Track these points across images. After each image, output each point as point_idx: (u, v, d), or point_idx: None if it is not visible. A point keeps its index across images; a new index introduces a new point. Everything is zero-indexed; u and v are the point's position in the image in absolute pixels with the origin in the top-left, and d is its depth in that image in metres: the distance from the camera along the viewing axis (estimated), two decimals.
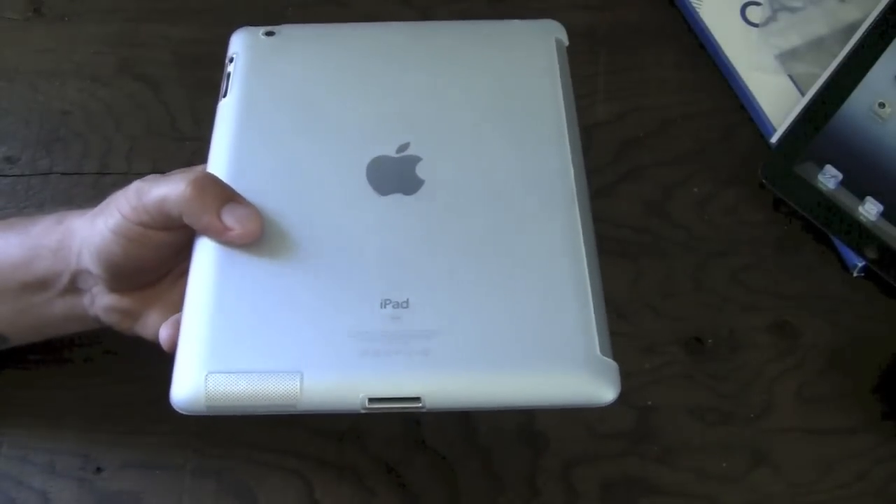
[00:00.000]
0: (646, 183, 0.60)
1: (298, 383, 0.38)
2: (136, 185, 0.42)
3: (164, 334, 0.42)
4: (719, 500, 0.51)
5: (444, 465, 0.50)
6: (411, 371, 0.38)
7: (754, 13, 0.66)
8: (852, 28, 0.63)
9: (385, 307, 0.40)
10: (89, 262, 0.43)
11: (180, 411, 0.38)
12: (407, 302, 0.40)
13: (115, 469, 0.49)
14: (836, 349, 0.56)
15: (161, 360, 0.46)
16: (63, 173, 0.58)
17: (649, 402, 0.53)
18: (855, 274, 0.58)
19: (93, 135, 0.59)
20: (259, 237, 0.41)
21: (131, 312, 0.45)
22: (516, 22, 0.52)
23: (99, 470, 0.49)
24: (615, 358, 0.40)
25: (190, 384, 0.38)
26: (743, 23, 0.65)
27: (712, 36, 0.65)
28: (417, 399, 0.38)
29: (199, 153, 0.58)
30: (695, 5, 0.66)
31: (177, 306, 0.44)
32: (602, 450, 0.52)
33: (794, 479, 0.52)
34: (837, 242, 0.58)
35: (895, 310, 0.57)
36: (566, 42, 0.51)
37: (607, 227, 0.58)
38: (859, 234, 0.57)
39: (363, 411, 0.38)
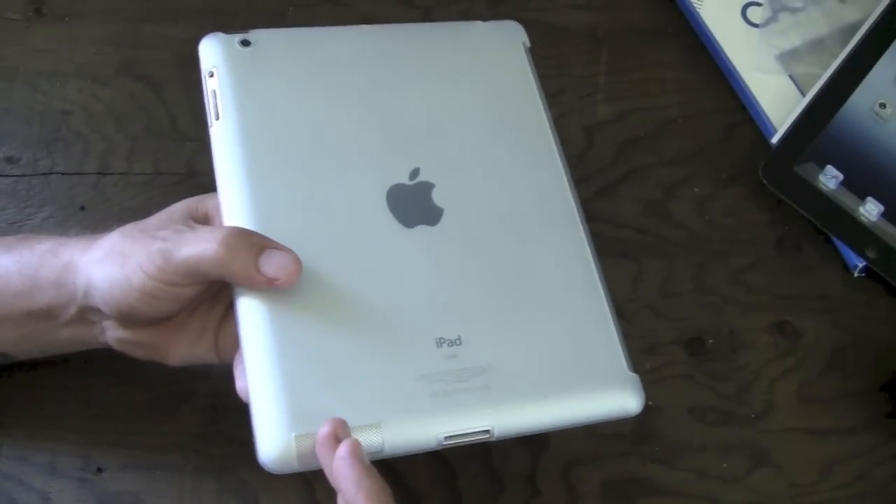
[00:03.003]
0: (646, 183, 0.60)
1: (381, 433, 0.39)
2: (158, 247, 0.41)
3: (242, 387, 0.41)
4: (719, 500, 0.51)
5: (445, 465, 0.50)
6: (479, 406, 0.41)
7: (755, 13, 0.66)
8: (853, 28, 0.63)
9: (441, 346, 0.42)
10: (101, 304, 0.43)
11: (271, 471, 0.39)
12: (459, 339, 0.42)
13: (115, 469, 0.49)
14: (836, 349, 0.56)
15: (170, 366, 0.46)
16: (64, 173, 0.58)
17: (650, 402, 0.53)
18: (856, 274, 0.58)
19: (93, 135, 0.59)
20: (300, 276, 0.41)
21: (147, 344, 0.44)
22: (479, 24, 0.52)
23: (100, 470, 0.49)
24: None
25: (278, 445, 0.39)
26: (743, 23, 0.65)
27: (713, 36, 0.65)
28: (487, 431, 0.41)
29: (199, 153, 0.58)
30: (695, 5, 0.66)
31: (191, 337, 0.45)
32: (602, 450, 0.52)
33: (794, 479, 0.52)
34: (838, 242, 0.58)
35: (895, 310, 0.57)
36: (529, 44, 0.52)
37: (608, 227, 0.58)
38: (860, 235, 0.57)
39: (439, 448, 0.40)
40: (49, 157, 0.58)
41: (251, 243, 0.41)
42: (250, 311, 0.41)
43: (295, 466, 0.39)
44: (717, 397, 0.54)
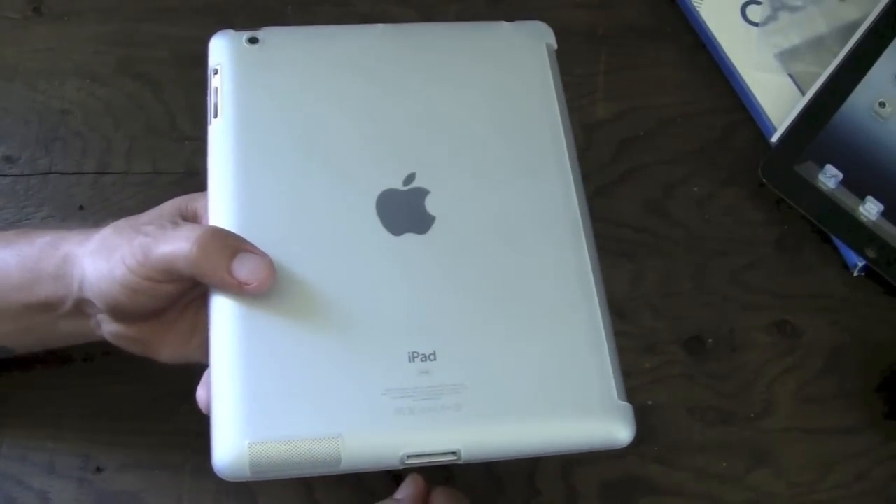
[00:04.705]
0: (646, 182, 0.60)
1: (339, 446, 0.38)
2: (140, 241, 0.41)
3: (202, 396, 0.41)
4: (719, 499, 0.51)
5: (444, 465, 0.50)
6: (446, 427, 0.39)
7: (754, 12, 0.66)
8: (852, 27, 0.63)
9: (413, 361, 0.40)
10: (91, 296, 0.43)
11: (223, 478, 0.38)
12: (434, 354, 0.40)
13: (114, 469, 0.49)
14: (836, 349, 0.56)
15: (164, 363, 0.46)
16: (63, 173, 0.58)
17: (649, 402, 0.53)
18: (855, 273, 0.58)
19: (92, 134, 0.59)
20: (274, 283, 0.40)
21: (138, 339, 0.44)
22: (505, 25, 0.51)
23: (99, 470, 0.49)
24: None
25: (232, 453, 0.38)
26: (743, 22, 0.65)
27: (712, 35, 0.65)
28: (454, 453, 0.39)
29: (198, 153, 0.58)
30: (695, 4, 0.66)
31: (183, 334, 0.45)
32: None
33: (793, 478, 0.52)
34: (838, 242, 0.58)
35: (895, 309, 0.57)
36: (555, 46, 0.50)
37: (607, 227, 0.58)
38: (860, 234, 0.57)
39: (401, 467, 0.39)
40: (48, 156, 0.58)
41: (225, 245, 0.40)
42: (220, 313, 0.41)
43: (247, 474, 0.38)
44: (717, 397, 0.54)
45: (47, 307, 0.44)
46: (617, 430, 0.40)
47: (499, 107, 0.48)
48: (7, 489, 0.48)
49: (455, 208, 0.44)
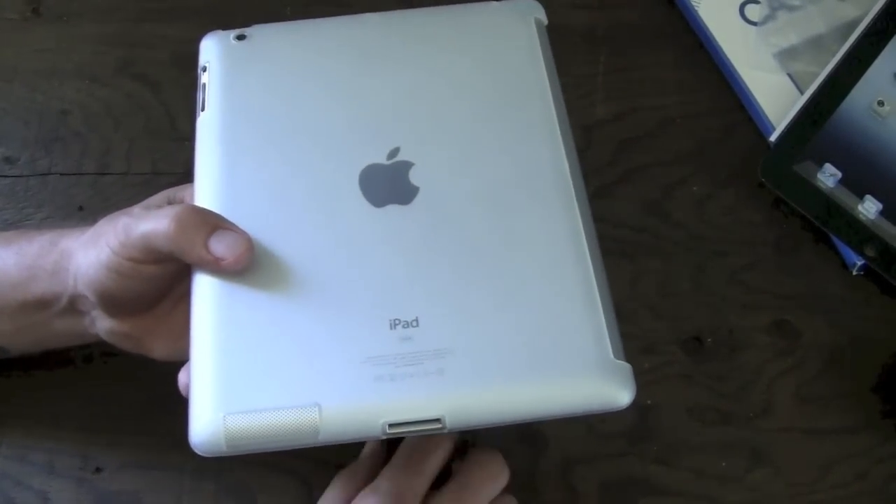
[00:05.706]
0: (645, 183, 0.60)
1: (317, 416, 0.37)
2: (123, 221, 0.41)
3: (182, 380, 0.40)
4: (719, 500, 0.51)
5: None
6: (429, 393, 0.38)
7: (753, 12, 0.66)
8: (851, 26, 0.63)
9: (395, 328, 0.39)
10: (84, 289, 0.43)
11: (200, 454, 0.37)
12: (416, 321, 0.39)
13: (114, 469, 0.49)
14: (835, 348, 0.56)
15: (160, 361, 0.46)
16: (62, 173, 0.58)
17: (649, 402, 0.53)
18: (854, 273, 0.58)
19: (92, 135, 0.59)
20: (251, 260, 0.40)
21: (132, 335, 0.45)
22: (493, 4, 0.50)
23: (98, 470, 0.49)
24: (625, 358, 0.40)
25: (208, 427, 0.37)
26: (742, 21, 0.65)
27: (711, 35, 0.65)
28: (438, 420, 0.38)
29: None
30: (694, 4, 0.66)
31: (176, 330, 0.44)
32: (602, 450, 0.52)
33: (793, 478, 0.52)
34: (837, 241, 0.58)
35: (895, 309, 0.57)
36: (545, 21, 0.50)
37: (607, 227, 0.58)
38: (859, 233, 0.57)
39: (384, 437, 0.38)
40: (47, 157, 0.58)
41: (203, 221, 0.41)
42: (200, 291, 0.41)
43: (223, 449, 0.37)
44: (716, 397, 0.54)
45: (43, 304, 0.45)
46: (613, 390, 0.39)
47: (485, 80, 0.47)
48: (6, 489, 0.48)
49: (440, 178, 0.44)
